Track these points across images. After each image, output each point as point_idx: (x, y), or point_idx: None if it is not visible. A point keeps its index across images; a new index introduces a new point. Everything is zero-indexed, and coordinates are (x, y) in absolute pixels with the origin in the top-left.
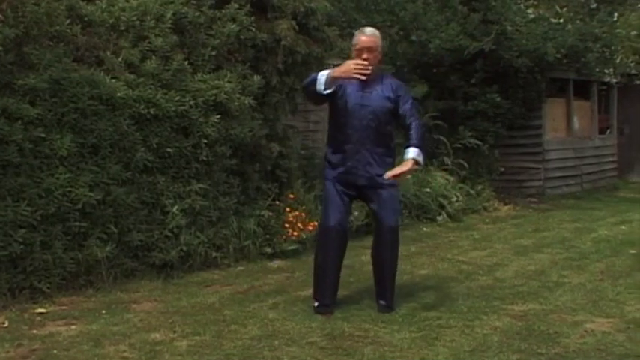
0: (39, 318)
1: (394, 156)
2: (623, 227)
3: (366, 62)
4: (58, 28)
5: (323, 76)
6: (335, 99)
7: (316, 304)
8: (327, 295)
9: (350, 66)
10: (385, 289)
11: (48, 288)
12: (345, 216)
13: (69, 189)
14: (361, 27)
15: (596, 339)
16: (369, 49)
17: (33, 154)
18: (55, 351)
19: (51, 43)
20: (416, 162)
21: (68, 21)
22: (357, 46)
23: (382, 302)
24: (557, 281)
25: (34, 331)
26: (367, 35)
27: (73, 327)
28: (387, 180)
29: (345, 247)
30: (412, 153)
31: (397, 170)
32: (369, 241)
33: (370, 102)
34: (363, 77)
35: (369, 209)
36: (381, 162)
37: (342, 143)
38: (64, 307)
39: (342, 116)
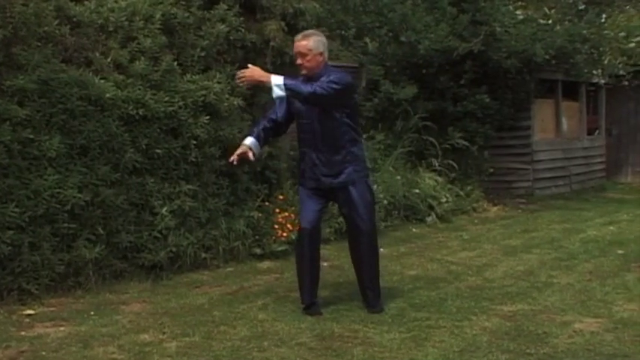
0: (27, 320)
1: (357, 160)
2: (611, 228)
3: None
4: (46, 28)
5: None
6: (289, 106)
7: (303, 305)
8: (305, 294)
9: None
10: (368, 292)
11: (36, 289)
12: (316, 215)
13: (57, 190)
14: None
15: (584, 339)
16: (300, 54)
17: (21, 155)
18: (43, 353)
19: (39, 44)
20: (266, 80)
21: (57, 21)
22: (294, 52)
23: (369, 304)
24: (546, 282)
25: (22, 333)
26: (297, 40)
27: (62, 328)
28: (349, 178)
29: (319, 246)
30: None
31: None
32: None
33: (303, 104)
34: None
35: (342, 214)
36: (327, 162)
37: (300, 147)
38: (52, 309)
39: (297, 120)
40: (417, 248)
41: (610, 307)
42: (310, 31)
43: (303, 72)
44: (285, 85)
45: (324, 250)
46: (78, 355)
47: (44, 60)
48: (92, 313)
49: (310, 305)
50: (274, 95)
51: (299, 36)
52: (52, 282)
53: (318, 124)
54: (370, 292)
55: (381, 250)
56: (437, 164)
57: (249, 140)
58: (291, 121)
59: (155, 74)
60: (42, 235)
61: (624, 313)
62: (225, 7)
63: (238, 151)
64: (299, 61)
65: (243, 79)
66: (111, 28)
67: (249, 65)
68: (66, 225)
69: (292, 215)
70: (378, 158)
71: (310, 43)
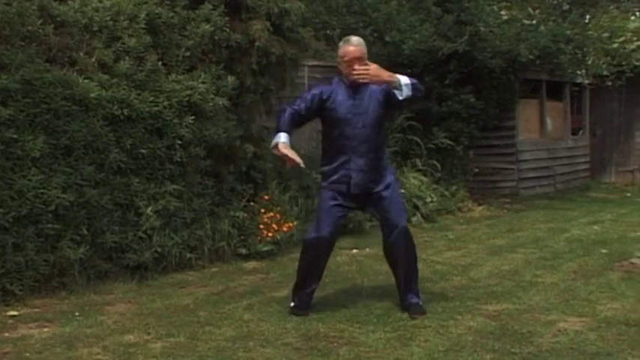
0: (11, 321)
1: (387, 162)
2: (595, 227)
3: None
4: (29, 28)
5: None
6: (325, 110)
7: (292, 304)
8: (306, 301)
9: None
10: (412, 291)
11: (20, 290)
12: (338, 228)
13: (41, 190)
14: (345, 38)
15: (568, 338)
16: (358, 60)
17: (5, 155)
18: (27, 354)
19: (23, 44)
20: (395, 79)
21: (40, 21)
22: (346, 58)
23: (417, 301)
24: (531, 281)
25: (6, 334)
26: (355, 45)
27: (46, 330)
28: (390, 181)
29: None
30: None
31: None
32: (344, 241)
33: (362, 109)
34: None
35: (375, 217)
36: (375, 168)
37: (336, 154)
38: (36, 310)
39: (335, 127)
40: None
41: (594, 306)
42: (354, 37)
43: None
44: (412, 84)
45: None
46: (62, 356)
47: (28, 60)
48: (77, 313)
49: (304, 309)
50: (404, 96)
51: (353, 41)
52: (36, 283)
53: (372, 130)
54: (413, 295)
55: (367, 249)
56: (422, 164)
57: (285, 137)
58: (305, 124)
59: (140, 74)
60: (26, 235)
61: (608, 312)
62: (210, 6)
63: (295, 156)
64: (356, 66)
65: (366, 76)
66: (95, 28)
67: (368, 62)
68: (50, 225)
69: (277, 215)
70: None
71: (364, 48)
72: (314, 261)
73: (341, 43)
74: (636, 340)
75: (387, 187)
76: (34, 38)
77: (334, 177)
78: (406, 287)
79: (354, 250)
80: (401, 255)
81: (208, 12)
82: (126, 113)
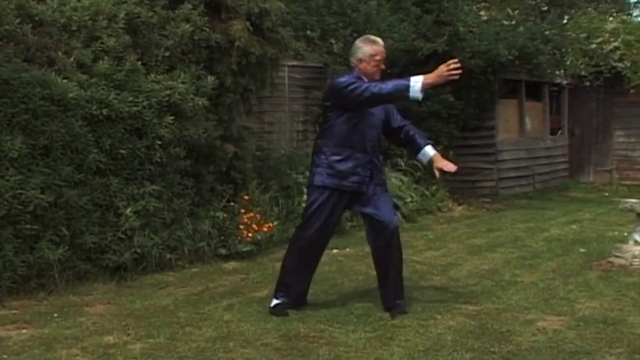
0: None
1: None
2: (574, 227)
3: (455, 60)
4: (7, 27)
5: (417, 82)
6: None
7: (277, 302)
8: (296, 295)
9: (442, 70)
10: (399, 291)
11: None
12: (337, 221)
13: (19, 191)
14: (365, 37)
15: (547, 337)
16: (383, 61)
17: None
18: (5, 356)
19: (0, 43)
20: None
21: (18, 20)
22: (377, 57)
23: (400, 302)
24: (510, 280)
25: None
26: (382, 46)
27: (24, 331)
28: (380, 182)
29: None
30: (432, 149)
31: (448, 165)
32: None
33: (376, 111)
34: (457, 77)
35: (364, 214)
36: (381, 168)
37: (356, 152)
38: (14, 311)
39: (359, 126)
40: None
41: (573, 305)
42: (374, 36)
43: (377, 77)
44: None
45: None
46: (41, 357)
47: (5, 59)
48: (55, 315)
49: (294, 305)
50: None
51: (379, 42)
52: (14, 284)
53: (378, 130)
54: (400, 292)
55: (347, 249)
56: (402, 164)
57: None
58: None
59: (119, 74)
60: (4, 236)
61: (586, 310)
62: (190, 6)
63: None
64: (383, 66)
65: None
66: (74, 27)
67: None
68: (28, 226)
69: (258, 216)
70: None
71: None
72: (308, 260)
73: (363, 43)
74: (614, 338)
75: (381, 185)
76: (11, 37)
77: (353, 176)
78: (395, 287)
79: (335, 250)
80: (394, 254)
81: (188, 12)
82: (105, 113)
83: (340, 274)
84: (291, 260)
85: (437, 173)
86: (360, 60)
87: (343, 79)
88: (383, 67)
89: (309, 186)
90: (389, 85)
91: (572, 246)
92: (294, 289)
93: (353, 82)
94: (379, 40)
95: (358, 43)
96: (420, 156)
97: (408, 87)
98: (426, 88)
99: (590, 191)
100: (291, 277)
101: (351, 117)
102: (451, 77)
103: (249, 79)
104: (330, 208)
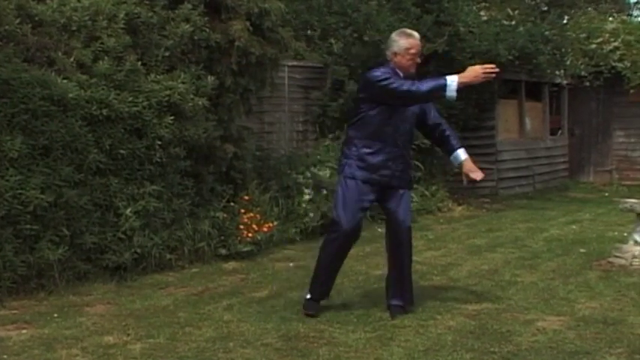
0: None
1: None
2: (574, 227)
3: (493, 65)
4: (7, 27)
5: (453, 82)
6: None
7: (309, 296)
8: (323, 289)
9: (478, 71)
10: (405, 290)
11: None
12: (363, 216)
13: (19, 191)
14: (401, 30)
15: (547, 337)
16: (420, 53)
17: None
18: (5, 356)
19: (0, 43)
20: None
21: (18, 20)
22: (413, 50)
23: (399, 303)
24: (510, 280)
25: None
26: (418, 39)
27: (24, 331)
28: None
29: None
30: (464, 153)
31: (476, 173)
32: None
33: (410, 106)
34: (493, 77)
35: (385, 209)
36: (412, 164)
37: (387, 145)
38: (14, 312)
39: (392, 120)
40: (383, 248)
41: (572, 305)
42: (409, 30)
43: (412, 70)
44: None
45: (290, 251)
46: (41, 357)
47: (5, 59)
48: (55, 315)
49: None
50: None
51: (415, 35)
52: (14, 284)
53: (410, 126)
54: (407, 292)
55: None
56: None
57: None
58: None
59: (119, 74)
60: (4, 236)
61: (586, 310)
62: (190, 6)
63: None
64: (418, 60)
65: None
66: (74, 28)
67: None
68: (28, 226)
69: (257, 216)
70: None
71: None
72: (337, 253)
73: (398, 36)
74: (614, 338)
75: (409, 181)
76: (11, 37)
77: (383, 170)
78: (402, 286)
79: None
80: (406, 252)
81: (188, 12)
82: (105, 113)
83: (340, 274)
84: (326, 256)
85: (464, 179)
86: (396, 53)
87: (377, 73)
88: (418, 60)
89: (339, 176)
90: (426, 85)
91: (572, 246)
92: (325, 287)
93: (387, 78)
94: (415, 33)
95: (394, 36)
96: (451, 158)
97: (444, 86)
98: (461, 88)
99: (590, 191)
100: (326, 272)
101: (384, 110)
102: (487, 78)
103: (249, 79)
104: (358, 201)
